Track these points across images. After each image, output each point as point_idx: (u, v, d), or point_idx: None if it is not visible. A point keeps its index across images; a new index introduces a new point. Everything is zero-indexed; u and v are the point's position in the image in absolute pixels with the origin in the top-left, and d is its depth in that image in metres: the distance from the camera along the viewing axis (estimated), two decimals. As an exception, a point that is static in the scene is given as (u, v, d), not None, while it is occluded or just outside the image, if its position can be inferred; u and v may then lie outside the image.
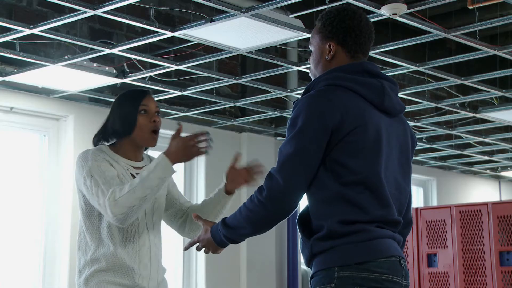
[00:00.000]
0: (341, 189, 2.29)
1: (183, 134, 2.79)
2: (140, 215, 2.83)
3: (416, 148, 8.93)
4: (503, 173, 10.24)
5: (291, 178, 2.29)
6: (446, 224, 5.79)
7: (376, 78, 2.43)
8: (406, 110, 2.54)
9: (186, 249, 2.63)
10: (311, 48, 2.54)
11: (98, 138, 2.96)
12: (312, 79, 2.52)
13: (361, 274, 2.23)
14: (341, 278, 2.24)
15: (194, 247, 2.58)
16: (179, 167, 6.90)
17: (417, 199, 9.64)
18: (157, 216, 2.94)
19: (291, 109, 2.41)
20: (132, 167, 2.90)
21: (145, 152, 3.05)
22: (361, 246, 2.26)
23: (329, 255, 2.28)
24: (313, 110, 2.31)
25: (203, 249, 2.53)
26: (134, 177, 2.84)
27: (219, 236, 2.44)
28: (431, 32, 4.76)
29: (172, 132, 2.82)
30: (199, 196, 6.88)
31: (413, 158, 2.62)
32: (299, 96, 7.42)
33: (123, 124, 2.88)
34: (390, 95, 2.42)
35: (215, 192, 3.02)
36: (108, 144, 2.93)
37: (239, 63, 6.95)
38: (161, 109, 7.38)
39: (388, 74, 6.77)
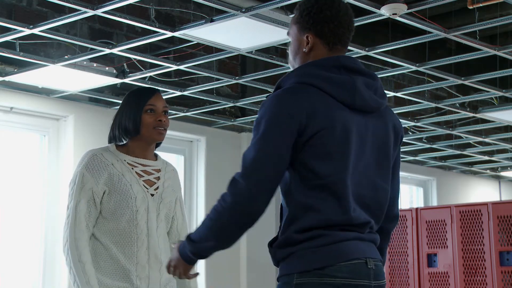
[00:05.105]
0: (305, 193, 2.22)
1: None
2: (139, 217, 2.84)
3: (416, 148, 8.91)
4: (503, 173, 10.23)
5: (257, 183, 2.17)
6: (446, 224, 5.78)
7: (352, 73, 2.30)
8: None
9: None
10: (289, 38, 2.45)
11: (110, 139, 2.98)
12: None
13: (320, 280, 2.18)
14: (299, 285, 2.19)
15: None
16: (178, 166, 6.89)
17: (417, 199, 9.64)
18: (162, 218, 2.93)
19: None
20: (140, 164, 2.91)
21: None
22: (320, 251, 2.19)
23: (289, 261, 2.23)
24: (279, 111, 2.21)
25: (176, 271, 2.33)
26: (139, 175, 2.87)
27: (185, 253, 2.28)
28: (431, 32, 4.76)
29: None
30: (199, 196, 6.87)
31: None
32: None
33: (129, 123, 2.89)
34: (362, 93, 2.29)
35: None
36: (119, 144, 2.95)
37: (239, 63, 6.95)
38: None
39: (388, 74, 6.72)
